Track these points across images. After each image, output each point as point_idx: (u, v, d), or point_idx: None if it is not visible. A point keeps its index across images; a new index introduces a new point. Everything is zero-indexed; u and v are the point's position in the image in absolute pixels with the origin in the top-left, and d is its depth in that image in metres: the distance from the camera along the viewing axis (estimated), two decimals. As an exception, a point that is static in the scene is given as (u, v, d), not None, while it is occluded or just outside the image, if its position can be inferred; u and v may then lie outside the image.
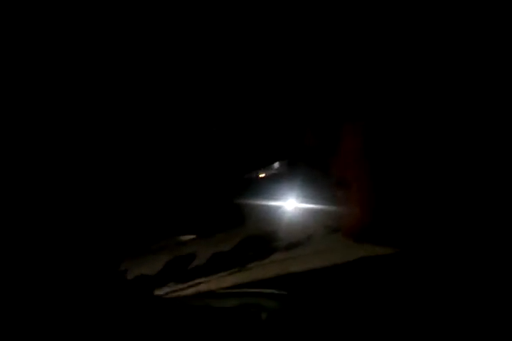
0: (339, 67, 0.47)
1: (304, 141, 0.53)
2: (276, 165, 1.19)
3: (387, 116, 0.43)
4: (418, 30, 0.44)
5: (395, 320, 0.44)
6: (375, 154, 0.44)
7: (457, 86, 0.42)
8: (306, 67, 0.51)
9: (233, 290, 1.28)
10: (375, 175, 0.44)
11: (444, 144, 0.42)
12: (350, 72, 0.46)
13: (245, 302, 1.26)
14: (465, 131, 0.42)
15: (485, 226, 0.42)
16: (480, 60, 0.42)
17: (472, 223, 0.41)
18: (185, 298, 1.33)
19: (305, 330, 1.05)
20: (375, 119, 0.44)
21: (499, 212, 0.41)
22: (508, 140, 0.41)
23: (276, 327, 1.15)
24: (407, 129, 0.43)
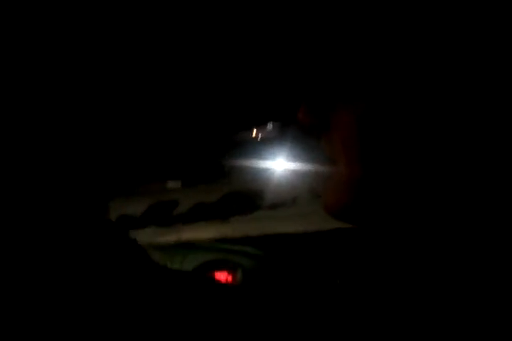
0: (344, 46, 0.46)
1: (298, 115, 0.52)
2: (270, 126, 1.20)
3: (386, 101, 0.43)
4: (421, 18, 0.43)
5: (367, 291, 0.46)
6: (368, 137, 0.44)
7: (461, 76, 0.42)
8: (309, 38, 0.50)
9: (211, 244, 1.30)
10: (365, 159, 0.45)
11: (440, 132, 0.42)
12: (354, 52, 0.45)
13: (222, 257, 1.27)
14: (464, 121, 0.42)
15: (469, 218, 0.42)
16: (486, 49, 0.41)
17: (459, 217, 0.42)
18: (163, 247, 1.33)
19: (276, 293, 1.07)
20: (373, 102, 0.44)
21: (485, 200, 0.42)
22: (507, 137, 0.41)
23: (249, 287, 1.16)
24: (404, 116, 0.43)
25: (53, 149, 0.48)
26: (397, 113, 0.44)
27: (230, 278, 1.06)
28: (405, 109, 0.44)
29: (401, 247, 0.47)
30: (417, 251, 0.46)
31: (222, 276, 1.09)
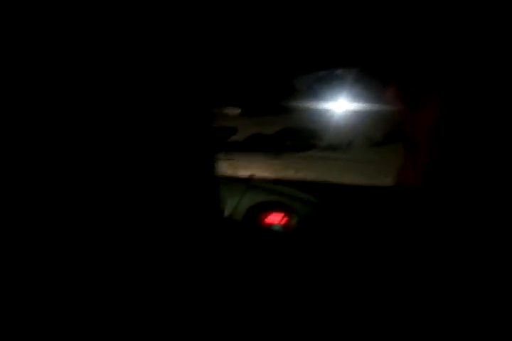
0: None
1: (386, 93, 0.53)
2: (339, 71, 1.17)
3: (468, 103, 0.43)
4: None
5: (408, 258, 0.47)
6: (449, 128, 0.45)
7: None
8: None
9: (269, 185, 1.31)
10: (442, 147, 0.46)
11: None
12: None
13: (278, 200, 1.30)
14: None
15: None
16: None
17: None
18: (223, 180, 1.36)
19: (327, 244, 1.06)
20: (460, 103, 0.44)
21: None
22: None
23: (304, 235, 1.19)
24: (479, 117, 0.43)
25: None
26: (475, 114, 0.45)
27: (283, 221, 1.11)
28: (480, 112, 0.45)
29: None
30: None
31: (276, 219, 1.15)
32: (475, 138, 0.39)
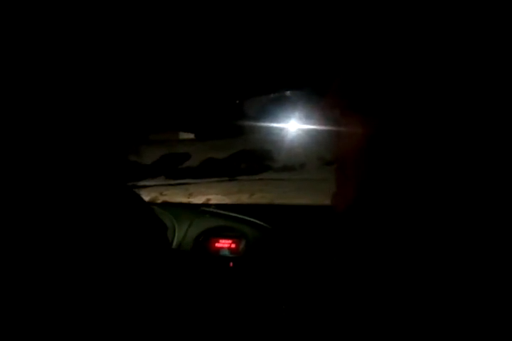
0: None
1: (322, 105, 0.53)
2: (290, 92, 1.17)
3: (402, 117, 0.44)
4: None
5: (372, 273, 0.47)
6: (380, 148, 0.45)
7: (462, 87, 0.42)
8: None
9: (218, 210, 1.30)
10: (373, 167, 0.45)
11: (446, 152, 0.42)
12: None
13: (228, 225, 1.28)
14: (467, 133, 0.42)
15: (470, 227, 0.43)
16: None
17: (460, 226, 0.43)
18: (171, 207, 1.35)
19: (275, 267, 1.04)
20: (390, 117, 0.44)
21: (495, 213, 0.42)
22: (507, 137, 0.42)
23: (252, 258, 1.17)
24: (417, 133, 0.43)
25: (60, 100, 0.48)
26: (406, 132, 0.45)
27: (233, 246, 1.10)
28: (412, 130, 0.45)
29: (398, 242, 0.48)
30: (413, 246, 0.47)
31: (225, 244, 1.13)
32: (405, 159, 0.40)
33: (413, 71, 0.45)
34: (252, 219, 1.23)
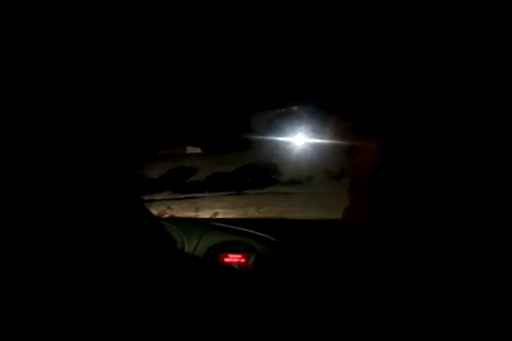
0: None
1: (331, 123, 0.53)
2: (297, 107, 1.19)
3: (411, 145, 0.44)
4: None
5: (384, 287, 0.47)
6: (396, 165, 0.45)
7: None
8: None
9: (227, 225, 1.30)
10: (390, 184, 0.46)
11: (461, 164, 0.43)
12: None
13: (237, 240, 1.28)
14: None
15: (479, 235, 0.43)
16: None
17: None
18: (180, 222, 1.36)
19: (285, 281, 1.04)
20: (406, 134, 0.45)
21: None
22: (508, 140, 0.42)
23: (262, 271, 1.17)
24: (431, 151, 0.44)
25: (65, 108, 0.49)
26: (422, 149, 0.46)
27: (242, 261, 1.09)
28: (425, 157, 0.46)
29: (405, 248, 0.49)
30: (419, 250, 0.48)
31: (235, 259, 1.13)
32: (419, 178, 0.40)
33: (425, 88, 0.45)
34: (261, 234, 1.23)
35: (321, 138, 0.62)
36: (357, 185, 0.51)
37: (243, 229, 1.32)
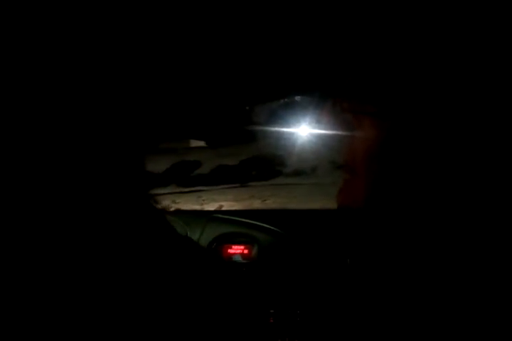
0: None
1: (323, 111, 0.53)
2: (299, 97, 1.18)
3: (409, 124, 0.44)
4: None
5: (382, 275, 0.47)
6: (391, 150, 0.45)
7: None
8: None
9: (230, 217, 1.31)
10: (384, 169, 0.45)
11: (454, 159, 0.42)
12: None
13: (240, 231, 1.29)
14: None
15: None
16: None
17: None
18: (183, 215, 1.36)
19: (290, 271, 1.05)
20: (399, 123, 0.44)
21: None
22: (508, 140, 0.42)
23: (264, 261, 1.18)
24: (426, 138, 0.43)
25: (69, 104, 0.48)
26: (416, 135, 0.45)
27: (245, 252, 1.10)
28: (423, 134, 0.45)
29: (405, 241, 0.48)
30: (419, 244, 0.47)
31: (238, 250, 1.13)
32: (416, 162, 0.39)
33: (424, 74, 0.45)
34: (264, 225, 1.23)
35: (325, 128, 0.62)
36: (352, 168, 0.51)
37: (245, 221, 1.32)
